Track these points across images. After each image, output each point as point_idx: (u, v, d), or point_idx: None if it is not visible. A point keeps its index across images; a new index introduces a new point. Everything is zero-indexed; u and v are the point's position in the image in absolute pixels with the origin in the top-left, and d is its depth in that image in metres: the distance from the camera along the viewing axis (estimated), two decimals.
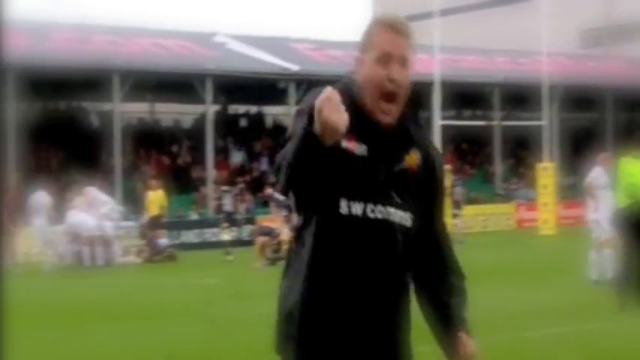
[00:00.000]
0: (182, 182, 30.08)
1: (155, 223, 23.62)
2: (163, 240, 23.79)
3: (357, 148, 3.08)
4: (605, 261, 14.46)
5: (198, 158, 30.80)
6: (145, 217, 23.94)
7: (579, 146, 35.10)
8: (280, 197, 18.42)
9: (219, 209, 25.52)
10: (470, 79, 33.64)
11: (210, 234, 26.35)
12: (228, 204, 24.45)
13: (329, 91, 2.77)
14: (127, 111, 31.81)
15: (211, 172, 29.57)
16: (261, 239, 20.38)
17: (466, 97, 34.25)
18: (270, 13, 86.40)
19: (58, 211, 22.85)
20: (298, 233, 3.15)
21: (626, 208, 12.47)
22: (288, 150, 2.91)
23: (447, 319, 3.22)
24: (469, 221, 28.58)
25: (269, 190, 23.31)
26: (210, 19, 79.11)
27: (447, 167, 26.46)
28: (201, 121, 31.57)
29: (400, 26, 3.12)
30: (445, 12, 29.70)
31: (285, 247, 16.76)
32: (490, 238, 27.93)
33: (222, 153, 32.03)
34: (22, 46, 25.74)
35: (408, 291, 3.22)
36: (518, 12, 42.48)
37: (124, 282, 18.27)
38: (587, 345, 9.79)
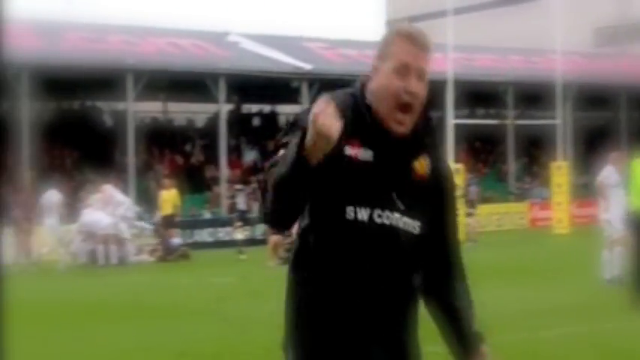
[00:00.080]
0: (195, 181, 30.10)
1: (168, 222, 23.64)
2: (177, 239, 23.82)
3: (362, 153, 3.07)
4: (616, 259, 14.43)
5: (212, 157, 30.81)
6: (159, 216, 23.96)
7: (593, 145, 34.90)
8: None
9: (232, 208, 25.52)
10: (483, 78, 33.53)
11: (223, 233, 26.38)
12: (241, 203, 24.44)
13: (324, 102, 2.80)
14: (140, 110, 31.88)
15: (224, 171, 29.58)
16: (274, 238, 20.36)
17: (479, 95, 34.14)
18: (283, 12, 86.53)
19: (72, 210, 22.93)
20: (304, 233, 3.15)
21: (639, 210, 12.46)
22: (278, 173, 2.92)
23: (455, 321, 3.22)
24: (483, 220, 28.52)
25: None
26: (224, 18, 79.40)
27: (461, 166, 26.44)
28: (214, 120, 31.62)
29: (420, 38, 3.11)
30: (459, 10, 29.59)
31: None
32: (504, 237, 27.87)
33: (235, 152, 32.05)
34: (36, 46, 25.86)
35: (414, 293, 3.20)
36: (532, 10, 42.36)
37: (138, 281, 18.32)
38: (601, 344, 9.75)
